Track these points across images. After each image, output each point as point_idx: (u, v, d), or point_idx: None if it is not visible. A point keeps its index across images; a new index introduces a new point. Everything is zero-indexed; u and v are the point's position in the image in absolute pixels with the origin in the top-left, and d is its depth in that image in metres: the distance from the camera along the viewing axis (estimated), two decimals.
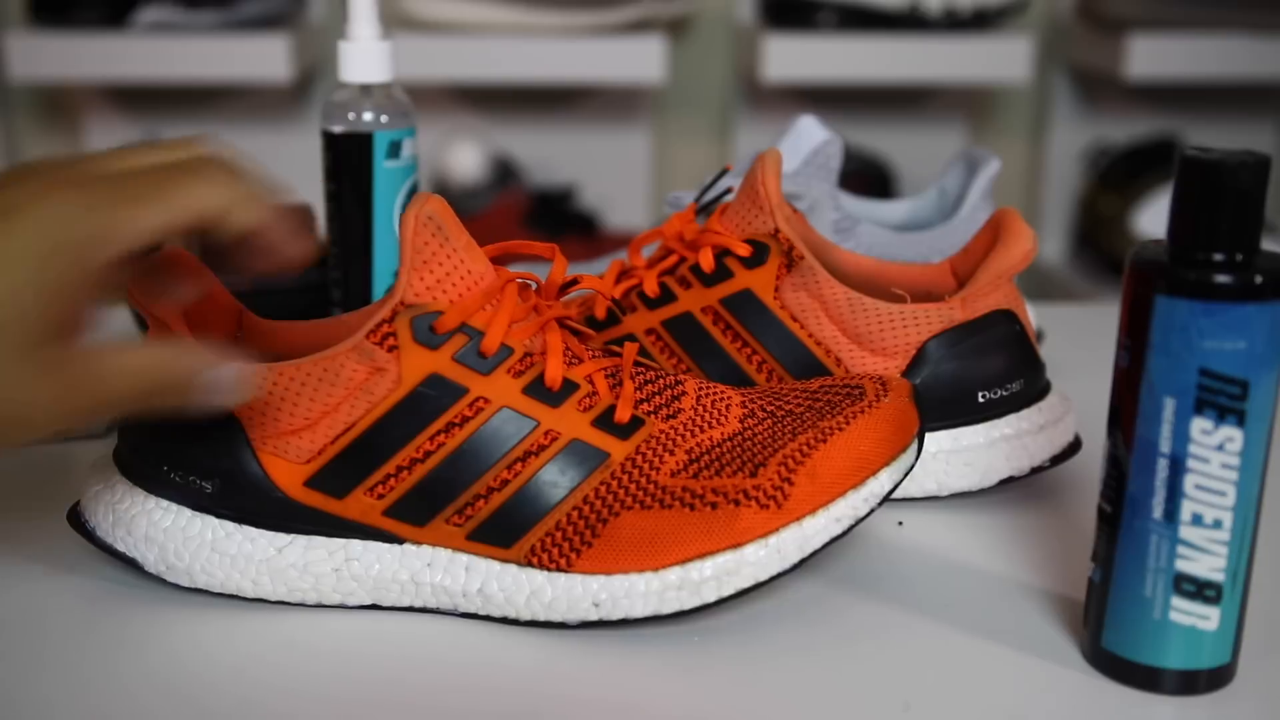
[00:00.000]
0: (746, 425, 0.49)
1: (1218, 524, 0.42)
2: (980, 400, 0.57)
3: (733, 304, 0.58)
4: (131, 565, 0.49)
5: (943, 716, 0.43)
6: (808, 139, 0.70)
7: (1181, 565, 0.42)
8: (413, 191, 0.67)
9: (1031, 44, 1.45)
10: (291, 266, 0.44)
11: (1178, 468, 0.41)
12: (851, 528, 0.47)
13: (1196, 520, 0.42)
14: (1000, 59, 1.45)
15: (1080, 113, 1.69)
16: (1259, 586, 0.50)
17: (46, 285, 0.38)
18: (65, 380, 0.39)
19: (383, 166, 0.66)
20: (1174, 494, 0.42)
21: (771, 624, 0.48)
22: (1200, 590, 0.42)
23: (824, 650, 0.47)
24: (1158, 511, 0.42)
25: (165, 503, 0.49)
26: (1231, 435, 0.41)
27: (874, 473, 0.47)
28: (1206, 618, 0.42)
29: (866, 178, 1.56)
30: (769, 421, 0.49)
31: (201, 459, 0.48)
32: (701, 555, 0.46)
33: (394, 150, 0.66)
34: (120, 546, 0.49)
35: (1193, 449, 0.41)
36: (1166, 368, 0.41)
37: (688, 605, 0.46)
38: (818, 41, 1.45)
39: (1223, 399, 0.41)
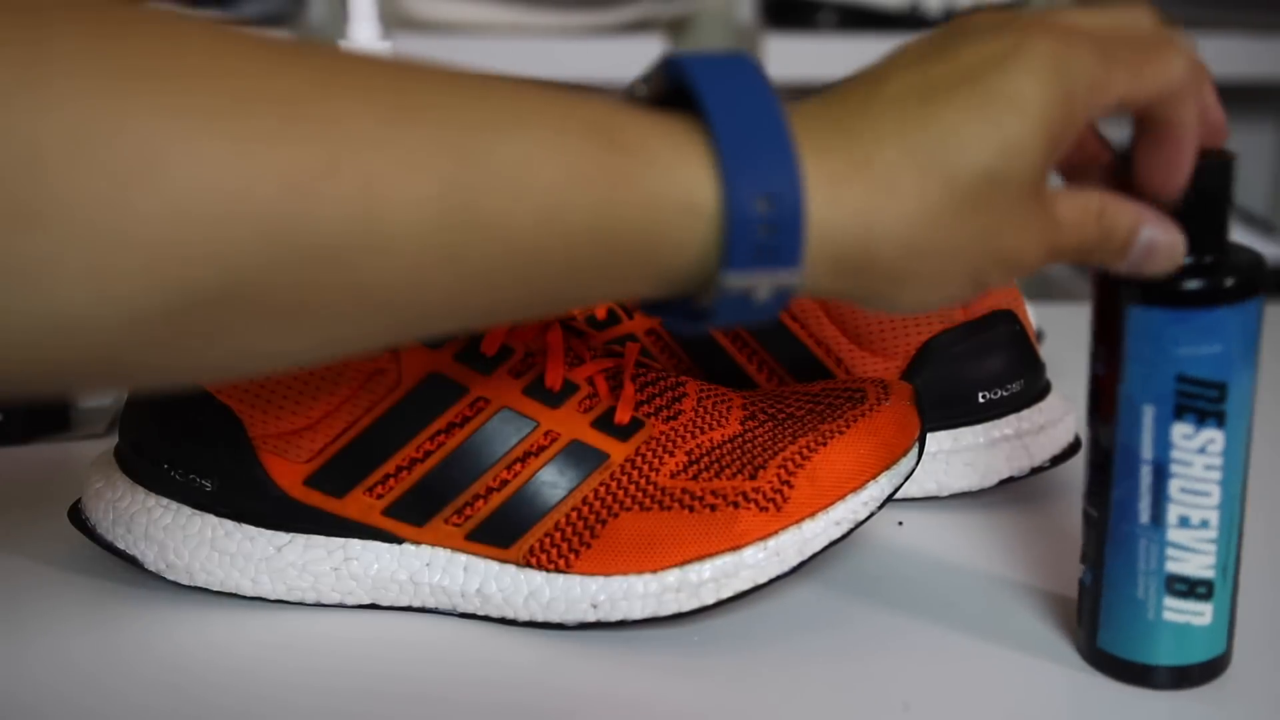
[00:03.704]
0: (747, 427, 0.49)
1: (1205, 524, 0.41)
2: (980, 400, 0.57)
3: None
4: (131, 563, 0.49)
5: (942, 716, 0.43)
6: None
7: (1172, 567, 0.42)
8: None
9: None
10: (1169, 195, 0.39)
11: (1161, 473, 0.41)
12: (851, 531, 0.47)
13: (1183, 522, 0.41)
14: None
15: None
16: (1256, 580, 0.50)
17: (1053, 132, 0.36)
18: (1045, 223, 0.37)
19: None
20: (1159, 499, 0.41)
21: (770, 625, 0.48)
22: (1192, 589, 0.42)
23: (823, 651, 0.46)
24: (1144, 516, 0.42)
25: (165, 501, 0.49)
26: (1213, 437, 0.41)
27: (874, 477, 0.47)
28: (1200, 613, 0.42)
29: None
30: (769, 424, 0.49)
31: (202, 457, 0.48)
32: (700, 557, 0.46)
33: None
34: (120, 544, 0.49)
35: (1175, 454, 0.41)
36: (1142, 376, 0.41)
37: (686, 607, 0.46)
38: (818, 41, 1.45)
39: (1202, 403, 0.40)
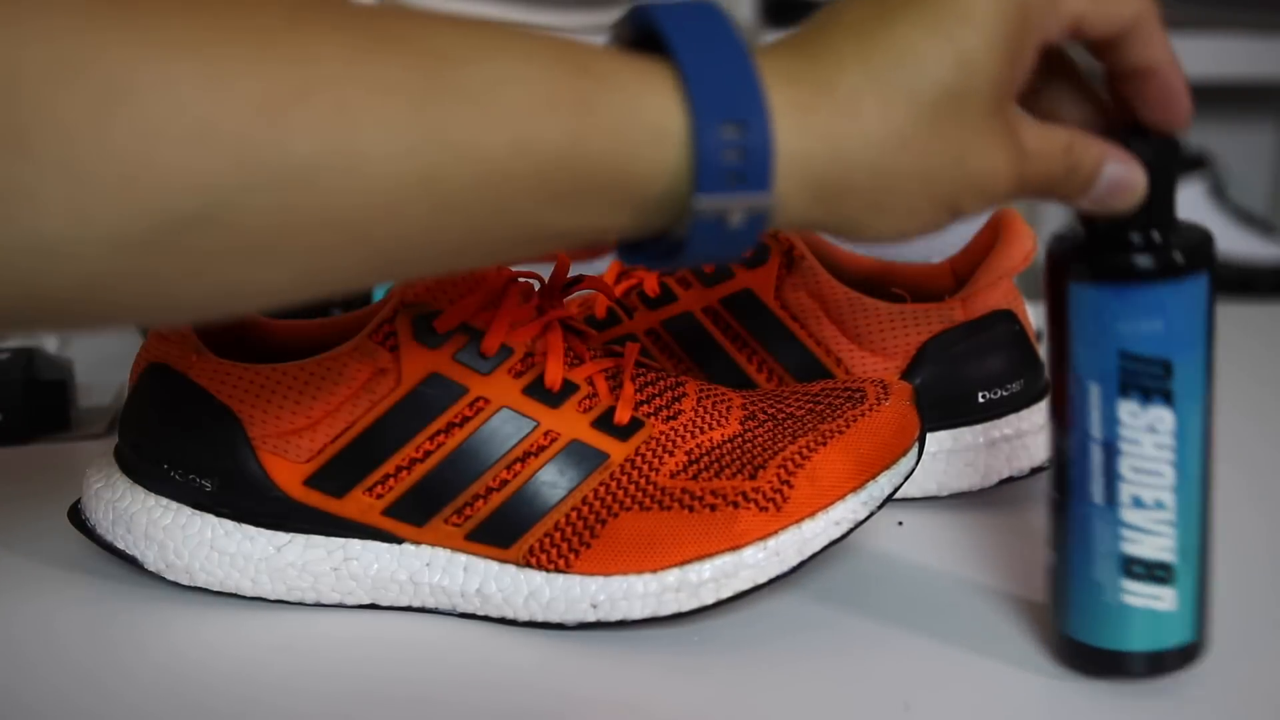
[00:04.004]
0: (747, 427, 0.49)
1: (1160, 504, 0.41)
2: (980, 400, 0.57)
3: (733, 304, 0.58)
4: (131, 563, 0.49)
5: (943, 716, 0.43)
6: None
7: (1127, 548, 0.42)
8: None
9: None
10: (1174, 126, 0.39)
11: (1111, 451, 0.41)
12: (850, 531, 0.47)
13: (1137, 503, 0.41)
14: None
15: None
16: (1257, 578, 0.50)
17: (1008, 44, 0.36)
18: (1013, 148, 0.37)
19: None
20: (1111, 478, 0.41)
21: (770, 625, 0.48)
22: (1150, 572, 0.42)
23: (823, 651, 0.47)
24: (1097, 496, 0.42)
25: (165, 501, 0.49)
26: (1161, 415, 0.41)
27: (873, 476, 0.47)
28: (1159, 598, 0.42)
29: None
30: (769, 424, 0.49)
31: (201, 457, 0.48)
32: (700, 557, 0.46)
33: None
34: (120, 544, 0.49)
35: (1123, 432, 0.41)
36: (1087, 354, 0.41)
37: (686, 607, 0.46)
38: None
39: (1146, 380, 0.40)
